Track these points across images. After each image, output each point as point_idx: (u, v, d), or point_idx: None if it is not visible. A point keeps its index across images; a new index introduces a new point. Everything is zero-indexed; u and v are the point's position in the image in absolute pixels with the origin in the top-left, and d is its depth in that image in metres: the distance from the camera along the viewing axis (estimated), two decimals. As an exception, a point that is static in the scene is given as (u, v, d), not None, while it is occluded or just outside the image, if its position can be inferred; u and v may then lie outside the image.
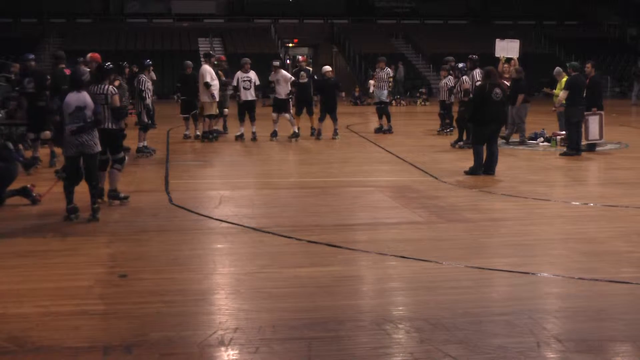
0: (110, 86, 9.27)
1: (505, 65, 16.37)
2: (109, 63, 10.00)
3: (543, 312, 5.47)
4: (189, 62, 16.96)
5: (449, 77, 17.16)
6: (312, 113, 17.30)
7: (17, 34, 35.72)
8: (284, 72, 16.74)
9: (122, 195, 9.49)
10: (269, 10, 41.52)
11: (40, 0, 38.57)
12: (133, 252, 7.22)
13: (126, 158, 10.04)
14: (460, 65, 16.01)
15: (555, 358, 4.72)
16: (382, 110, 18.24)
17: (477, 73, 14.86)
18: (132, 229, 8.17)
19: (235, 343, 4.87)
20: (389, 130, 18.11)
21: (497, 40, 17.11)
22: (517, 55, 16.75)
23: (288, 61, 17.48)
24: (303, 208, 9.47)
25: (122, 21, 41.28)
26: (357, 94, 30.52)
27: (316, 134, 17.15)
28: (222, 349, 4.81)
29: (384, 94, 18.16)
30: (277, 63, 17.02)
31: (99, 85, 9.11)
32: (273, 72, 16.65)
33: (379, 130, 18.31)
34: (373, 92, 18.72)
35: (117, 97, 9.20)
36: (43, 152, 12.70)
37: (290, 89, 16.48)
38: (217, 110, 16.48)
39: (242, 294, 5.95)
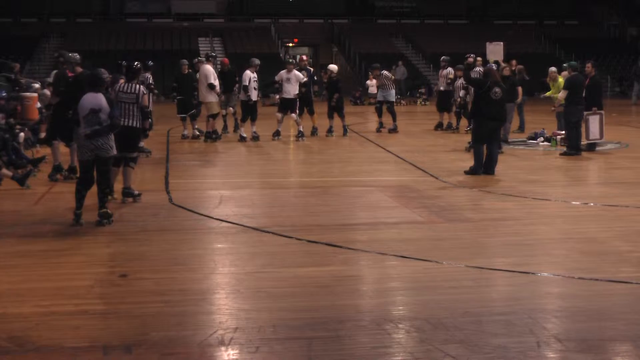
0: (142, 86, 9.40)
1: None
2: (137, 62, 9.84)
3: (543, 312, 5.47)
4: (185, 61, 16.84)
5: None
6: (312, 112, 17.31)
7: (17, 34, 35.72)
8: (296, 71, 16.66)
9: (136, 192, 9.55)
10: (269, 10, 41.50)
11: (41, 0, 38.58)
12: (133, 252, 7.22)
13: (138, 157, 10.09)
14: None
15: (555, 358, 4.72)
16: (389, 109, 18.28)
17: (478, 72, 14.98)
18: (132, 229, 8.17)
19: (235, 343, 4.87)
20: (394, 130, 18.14)
21: (487, 43, 17.29)
22: (502, 58, 16.89)
23: (287, 61, 17.72)
24: (303, 208, 9.47)
25: (122, 21, 41.28)
26: (357, 94, 30.46)
27: (317, 132, 17.22)
28: (222, 348, 4.81)
29: (391, 94, 18.29)
30: (293, 61, 17.01)
31: (129, 84, 9.17)
32: (286, 70, 16.51)
33: (379, 129, 18.37)
34: (377, 91, 18.88)
35: (146, 97, 9.44)
36: (43, 153, 12.69)
37: (298, 89, 16.48)
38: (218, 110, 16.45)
39: (242, 294, 5.95)
